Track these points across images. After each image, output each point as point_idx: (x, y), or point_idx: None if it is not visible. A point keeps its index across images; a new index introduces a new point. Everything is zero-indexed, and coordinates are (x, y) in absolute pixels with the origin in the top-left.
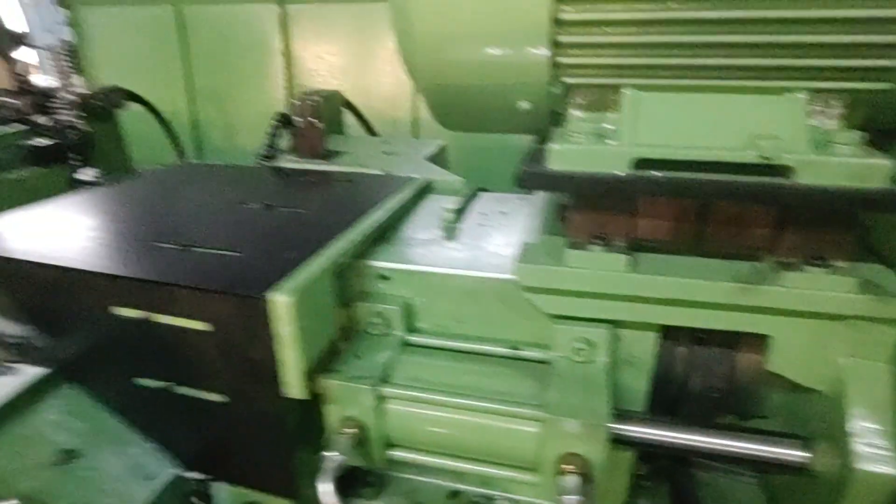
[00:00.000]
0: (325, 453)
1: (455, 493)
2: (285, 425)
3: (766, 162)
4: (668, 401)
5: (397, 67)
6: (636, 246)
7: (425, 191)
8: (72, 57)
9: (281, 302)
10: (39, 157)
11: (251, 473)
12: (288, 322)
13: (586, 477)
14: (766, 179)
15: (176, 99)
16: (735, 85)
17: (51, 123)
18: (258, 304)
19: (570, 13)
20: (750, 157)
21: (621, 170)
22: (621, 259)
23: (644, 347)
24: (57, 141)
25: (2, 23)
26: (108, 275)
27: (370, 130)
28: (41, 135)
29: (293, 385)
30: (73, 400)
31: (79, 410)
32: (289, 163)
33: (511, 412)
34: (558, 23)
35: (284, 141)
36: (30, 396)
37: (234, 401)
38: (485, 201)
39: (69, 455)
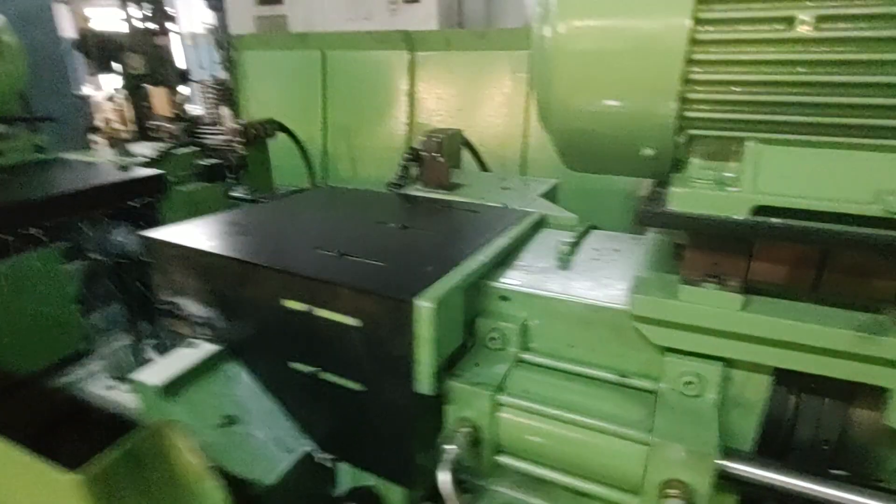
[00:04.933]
0: (445, 446)
1: None
2: (410, 417)
3: (893, 216)
4: (774, 448)
5: (508, 110)
6: (750, 288)
7: (540, 224)
8: (221, 91)
9: (424, 307)
10: (204, 174)
11: (374, 459)
12: (428, 325)
13: None
14: (894, 233)
15: (312, 131)
16: (858, 143)
17: (216, 147)
18: (405, 307)
19: (699, 74)
20: (875, 210)
21: (741, 214)
22: (735, 298)
23: (755, 390)
24: (219, 161)
25: (174, 61)
26: (283, 271)
27: (483, 167)
28: (208, 156)
29: (424, 381)
30: (235, 375)
31: (239, 384)
32: (416, 191)
33: (619, 432)
34: (687, 81)
35: (412, 172)
36: (205, 367)
37: (369, 390)
38: (598, 238)
39: (230, 420)
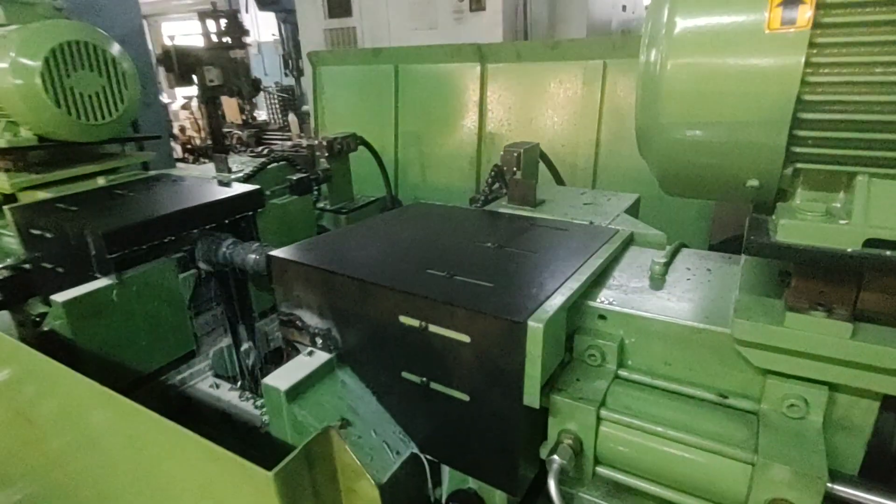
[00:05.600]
0: (552, 457)
1: None
2: (515, 427)
3: None
4: (879, 472)
5: (579, 121)
6: (859, 315)
7: (628, 242)
8: (287, 98)
9: (536, 328)
10: (295, 188)
11: (477, 464)
12: (538, 344)
13: None
14: None
15: (384, 141)
16: None
17: (295, 154)
18: (519, 328)
19: (809, 114)
20: None
21: (853, 247)
22: (844, 326)
23: (862, 414)
24: (307, 174)
25: (249, 72)
26: (404, 291)
27: (559, 180)
28: (297, 170)
29: (531, 395)
30: (347, 381)
31: (351, 389)
32: (502, 208)
33: (723, 451)
34: (797, 121)
35: (496, 188)
36: (322, 374)
37: (475, 401)
38: (689, 257)
39: (345, 422)
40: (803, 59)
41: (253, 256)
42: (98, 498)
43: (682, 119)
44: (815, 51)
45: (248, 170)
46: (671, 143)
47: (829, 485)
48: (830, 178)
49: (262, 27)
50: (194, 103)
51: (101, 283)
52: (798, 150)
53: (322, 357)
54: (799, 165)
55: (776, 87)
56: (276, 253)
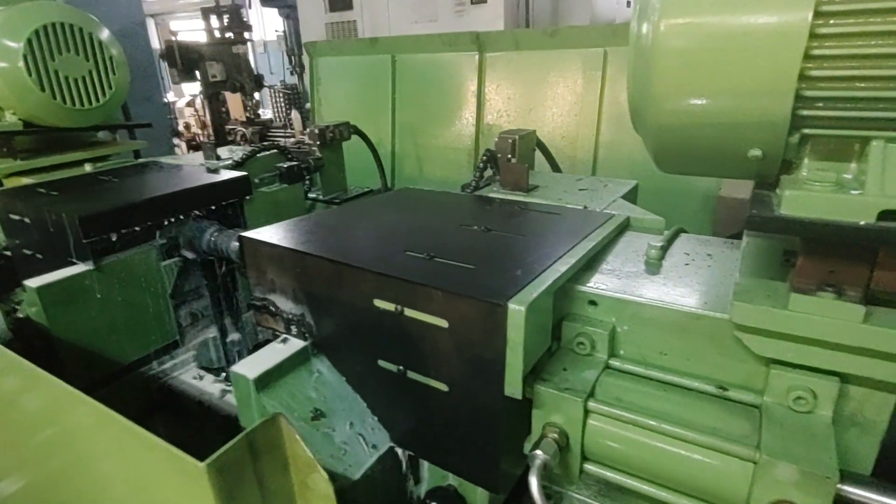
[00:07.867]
0: (534, 451)
1: None
2: (496, 420)
3: None
4: (895, 473)
5: (580, 110)
6: (872, 298)
7: (624, 227)
8: (291, 95)
9: (517, 311)
10: (285, 176)
11: (457, 460)
12: (520, 329)
13: None
14: None
15: (381, 133)
16: None
17: (295, 150)
18: (499, 311)
19: (817, 70)
20: None
21: (866, 220)
22: (856, 309)
23: (876, 408)
24: (298, 163)
25: (251, 69)
26: (378, 273)
27: (556, 167)
28: (288, 158)
29: (513, 385)
30: (322, 370)
31: (325, 379)
32: (494, 193)
33: (723, 447)
34: (804, 78)
35: (488, 174)
36: (295, 362)
37: (454, 391)
38: (688, 242)
39: (318, 414)
40: (812, 9)
41: (236, 243)
42: (24, 486)
43: (677, 85)
44: None
45: (236, 157)
46: (666, 114)
47: (840, 486)
48: (841, 146)
49: (269, 26)
50: (198, 101)
51: (78, 268)
52: (805, 113)
53: (296, 345)
54: (806, 131)
55: (781, 42)
56: (248, 234)
